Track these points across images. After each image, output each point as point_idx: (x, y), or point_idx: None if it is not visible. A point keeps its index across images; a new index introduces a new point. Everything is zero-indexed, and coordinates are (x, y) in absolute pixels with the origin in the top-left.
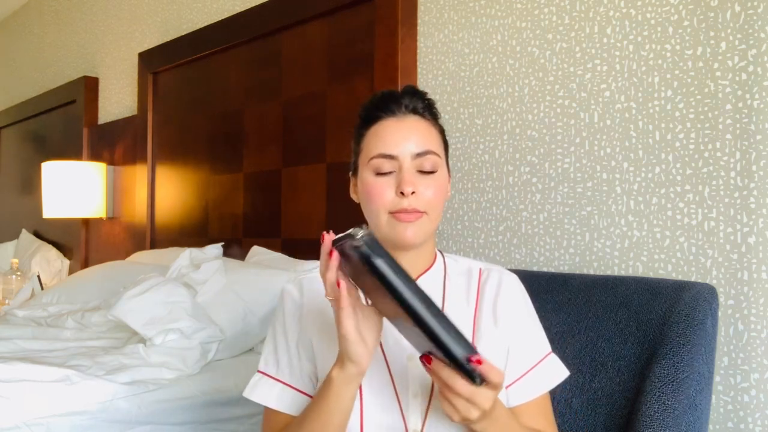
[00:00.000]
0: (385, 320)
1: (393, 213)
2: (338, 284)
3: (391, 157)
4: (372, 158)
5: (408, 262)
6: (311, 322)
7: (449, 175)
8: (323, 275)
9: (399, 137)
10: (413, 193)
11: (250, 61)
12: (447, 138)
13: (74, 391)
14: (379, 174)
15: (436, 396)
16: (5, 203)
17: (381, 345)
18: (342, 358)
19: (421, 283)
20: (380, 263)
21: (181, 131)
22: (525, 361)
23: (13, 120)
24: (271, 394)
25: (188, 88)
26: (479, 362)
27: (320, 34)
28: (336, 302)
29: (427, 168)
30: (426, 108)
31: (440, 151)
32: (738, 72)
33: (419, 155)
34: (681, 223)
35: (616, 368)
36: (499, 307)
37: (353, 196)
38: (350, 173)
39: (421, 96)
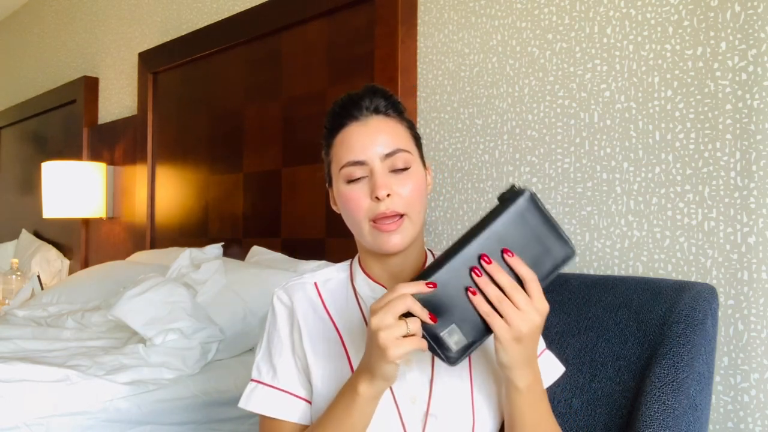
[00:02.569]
0: None
1: (373, 221)
2: (433, 319)
3: (360, 163)
4: (342, 167)
5: (398, 265)
6: (304, 330)
7: (426, 168)
8: (410, 305)
9: (365, 141)
10: (389, 195)
11: (250, 61)
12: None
13: (74, 391)
14: (352, 182)
15: (434, 401)
16: (5, 203)
17: None
18: (372, 374)
19: None
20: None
21: (181, 131)
22: None
23: (13, 120)
24: (269, 402)
25: (188, 88)
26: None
27: (320, 34)
28: (409, 336)
29: (399, 166)
30: (389, 106)
31: (410, 147)
32: (738, 72)
33: (389, 155)
34: (681, 223)
35: (616, 368)
36: None
37: (334, 207)
38: (327, 185)
39: (382, 94)
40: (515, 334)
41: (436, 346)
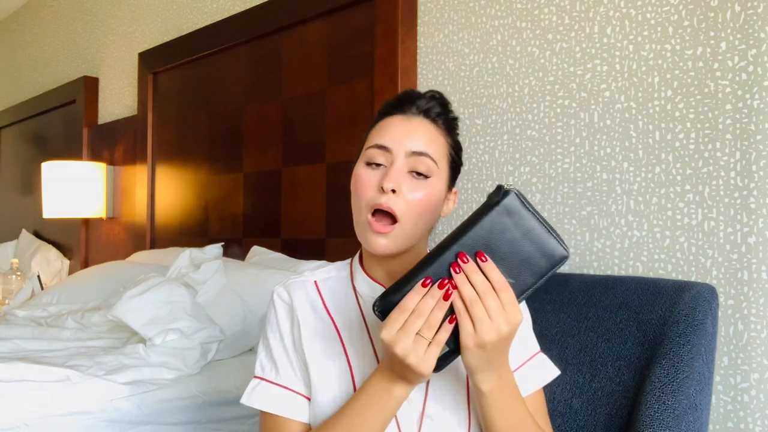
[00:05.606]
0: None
1: (371, 215)
2: (451, 320)
3: (384, 148)
4: (368, 148)
5: (400, 265)
6: (303, 328)
7: (449, 194)
8: (428, 312)
9: (399, 132)
10: (394, 191)
11: (250, 61)
12: (456, 148)
13: (74, 391)
14: (370, 165)
15: (429, 402)
16: (5, 203)
17: (375, 352)
18: (409, 381)
19: None
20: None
21: (181, 131)
22: (513, 359)
23: (13, 120)
24: (272, 399)
25: (188, 88)
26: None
27: (320, 34)
28: (434, 342)
29: (420, 170)
30: (441, 114)
31: (441, 160)
32: (738, 72)
33: (415, 153)
34: (681, 223)
35: (616, 368)
36: None
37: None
38: (354, 164)
39: (440, 102)
40: (478, 340)
41: None
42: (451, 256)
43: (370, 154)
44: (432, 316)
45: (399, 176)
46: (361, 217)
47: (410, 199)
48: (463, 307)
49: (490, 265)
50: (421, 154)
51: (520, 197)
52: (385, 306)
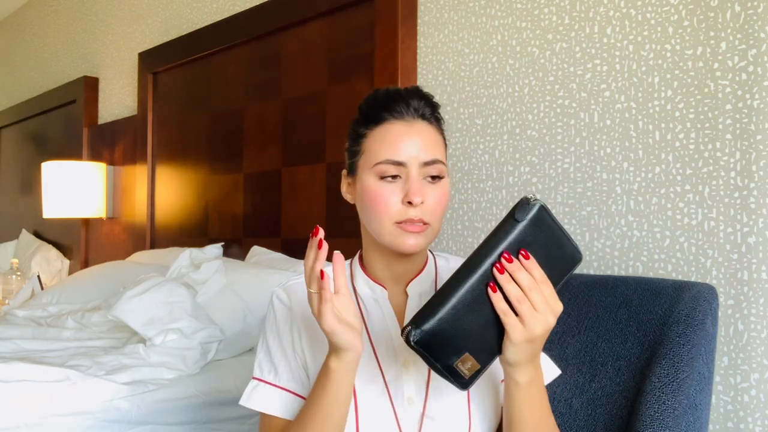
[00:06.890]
0: (374, 331)
1: (398, 223)
2: (321, 275)
3: (399, 163)
4: (378, 163)
5: (403, 266)
6: (303, 329)
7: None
8: (310, 268)
9: (408, 144)
10: (421, 203)
11: (250, 61)
12: (446, 138)
13: (74, 391)
14: (385, 180)
15: (430, 402)
16: (5, 203)
17: (375, 353)
18: (336, 349)
19: (414, 284)
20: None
21: (181, 131)
22: None
23: (13, 120)
24: (271, 400)
25: (188, 88)
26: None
27: (320, 34)
28: (318, 295)
29: (434, 176)
30: (433, 113)
31: (444, 158)
32: (738, 72)
33: (427, 164)
34: (681, 223)
35: (616, 368)
36: None
37: (346, 195)
38: (346, 171)
39: (428, 101)
40: (528, 335)
41: (450, 374)
42: (485, 275)
43: (384, 169)
44: (313, 270)
45: (421, 187)
46: (384, 227)
47: (433, 203)
48: (507, 306)
49: (532, 263)
50: (432, 162)
51: (546, 209)
52: (422, 336)
